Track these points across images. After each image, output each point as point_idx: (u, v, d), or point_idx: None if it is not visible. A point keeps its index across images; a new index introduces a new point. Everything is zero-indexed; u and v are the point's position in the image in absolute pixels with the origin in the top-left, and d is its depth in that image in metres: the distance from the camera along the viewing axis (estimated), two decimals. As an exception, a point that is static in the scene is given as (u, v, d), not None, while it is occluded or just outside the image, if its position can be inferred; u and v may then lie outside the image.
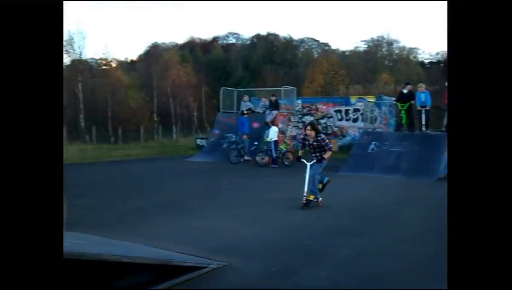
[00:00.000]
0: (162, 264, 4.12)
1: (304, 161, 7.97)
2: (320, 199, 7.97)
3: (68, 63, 32.61)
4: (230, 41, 55.12)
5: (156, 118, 36.31)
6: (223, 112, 19.86)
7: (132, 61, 49.63)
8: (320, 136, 8.02)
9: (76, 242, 4.25)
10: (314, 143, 7.96)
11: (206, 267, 4.30)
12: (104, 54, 38.99)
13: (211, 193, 9.69)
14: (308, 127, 8.07)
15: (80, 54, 32.98)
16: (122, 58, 47.52)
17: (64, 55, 32.62)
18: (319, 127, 9.19)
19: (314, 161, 7.90)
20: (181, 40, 54.46)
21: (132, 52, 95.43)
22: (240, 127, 16.44)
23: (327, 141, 8.05)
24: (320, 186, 8.08)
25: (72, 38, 32.14)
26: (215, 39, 54.82)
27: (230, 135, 18.03)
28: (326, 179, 8.28)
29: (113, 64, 40.32)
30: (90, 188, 10.30)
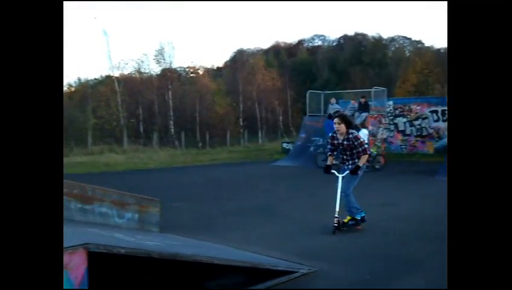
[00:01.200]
0: (252, 267, 4.19)
1: (335, 172, 6.32)
2: (360, 226, 6.36)
3: (159, 72, 34.87)
4: (316, 44, 54.75)
5: (241, 123, 37.27)
6: (310, 115, 19.79)
7: (218, 68, 51.53)
8: (352, 132, 6.12)
9: (171, 243, 4.49)
10: (345, 143, 6.15)
11: (297, 272, 4.30)
12: (192, 62, 41.03)
13: (298, 197, 9.69)
14: (336, 120, 6.14)
15: (170, 64, 35.10)
16: (209, 66, 49.56)
17: (155, 65, 34.97)
18: (351, 119, 6.64)
19: (347, 171, 6.18)
20: (266, 45, 55.30)
21: (218, 59, 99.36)
22: (327, 130, 16.24)
23: (361, 140, 6.18)
24: (348, 220, 6.28)
25: (163, 49, 34.30)
26: (300, 42, 54.90)
27: (317, 138, 17.90)
28: (362, 214, 6.37)
29: (200, 72, 42.25)
30: (181, 192, 10.86)
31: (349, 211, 6.24)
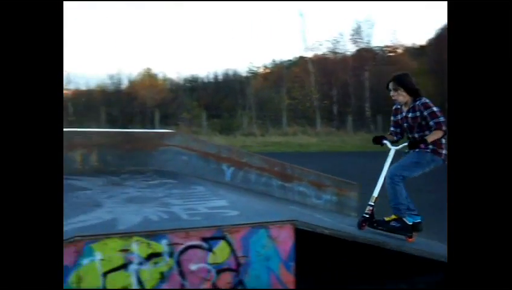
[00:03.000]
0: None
1: (387, 142, 4.67)
2: (412, 239, 4.58)
3: (353, 52, 34.59)
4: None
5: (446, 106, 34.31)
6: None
7: (421, 46, 48.39)
8: (420, 99, 4.48)
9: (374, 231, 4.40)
10: (409, 115, 4.51)
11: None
12: (391, 40, 39.49)
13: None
14: (391, 84, 4.58)
15: (368, 43, 34.46)
16: (410, 44, 46.93)
17: (351, 45, 34.78)
18: (412, 81, 4.67)
19: (405, 144, 4.53)
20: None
21: (421, 37, 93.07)
22: None
23: (434, 109, 4.35)
24: (390, 219, 4.56)
25: (360, 27, 33.85)
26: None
27: None
28: (417, 219, 4.63)
29: (400, 51, 40.31)
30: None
31: (394, 207, 4.53)
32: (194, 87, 34.12)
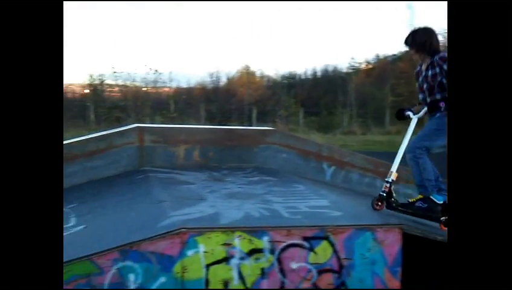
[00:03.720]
0: None
1: (409, 113, 4.16)
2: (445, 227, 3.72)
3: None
4: None
5: None
6: None
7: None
8: (438, 53, 3.90)
9: None
10: (429, 73, 3.98)
11: None
12: None
13: None
14: (409, 40, 4.07)
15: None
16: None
17: None
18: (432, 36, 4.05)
19: (425, 109, 4.01)
20: None
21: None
22: None
23: None
24: (416, 199, 3.96)
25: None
26: None
27: None
28: (441, 198, 3.87)
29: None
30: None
31: (419, 185, 3.94)
32: (291, 84, 34.31)
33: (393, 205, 3.87)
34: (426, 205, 3.86)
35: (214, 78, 30.45)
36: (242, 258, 3.17)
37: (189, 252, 3.10)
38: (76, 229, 3.71)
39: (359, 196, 4.89)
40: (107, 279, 2.96)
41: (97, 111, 19.62)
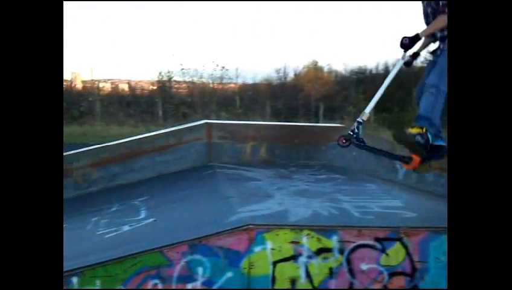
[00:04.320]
0: None
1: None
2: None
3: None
4: None
5: None
6: None
7: None
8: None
9: None
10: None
11: None
12: None
13: None
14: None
15: None
16: None
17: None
18: None
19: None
20: None
21: None
22: None
23: None
24: (418, 130, 3.83)
25: None
26: None
27: None
28: (440, 141, 3.91)
29: None
30: None
31: (423, 116, 3.86)
32: (361, 79, 33.61)
33: (361, 142, 3.91)
34: (424, 141, 3.84)
35: (281, 74, 30.52)
36: (310, 257, 3.18)
37: (257, 249, 3.15)
38: (147, 221, 3.89)
39: (434, 197, 4.72)
40: (176, 271, 3.07)
41: (165, 107, 20.29)
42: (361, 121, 3.92)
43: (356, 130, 3.88)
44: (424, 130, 3.84)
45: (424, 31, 3.89)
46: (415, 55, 4.19)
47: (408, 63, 4.14)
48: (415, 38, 3.84)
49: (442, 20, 3.73)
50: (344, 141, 3.90)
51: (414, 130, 3.87)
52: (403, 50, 3.93)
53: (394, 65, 4.17)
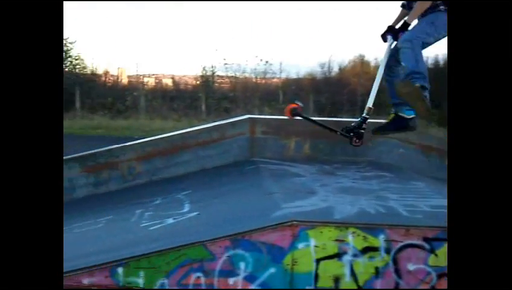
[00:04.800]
0: None
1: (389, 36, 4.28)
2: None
3: None
4: None
5: None
6: None
7: None
8: None
9: None
10: None
11: None
12: None
13: None
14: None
15: None
16: None
17: None
18: None
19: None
20: None
21: None
22: None
23: None
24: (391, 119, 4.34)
25: None
26: None
27: None
28: (410, 113, 4.21)
29: None
30: None
31: (412, 72, 3.91)
32: (408, 74, 32.94)
33: (355, 133, 4.22)
34: (396, 124, 4.32)
35: (325, 69, 30.22)
36: (355, 255, 3.14)
37: (300, 245, 3.14)
38: (190, 215, 3.96)
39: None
40: (219, 265, 3.12)
41: (208, 102, 20.54)
42: (368, 116, 4.17)
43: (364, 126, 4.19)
44: (394, 115, 4.31)
45: (410, 17, 4.06)
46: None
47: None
48: (405, 26, 4.05)
49: (423, 3, 3.92)
50: (357, 141, 4.19)
51: (392, 116, 4.34)
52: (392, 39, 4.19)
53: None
